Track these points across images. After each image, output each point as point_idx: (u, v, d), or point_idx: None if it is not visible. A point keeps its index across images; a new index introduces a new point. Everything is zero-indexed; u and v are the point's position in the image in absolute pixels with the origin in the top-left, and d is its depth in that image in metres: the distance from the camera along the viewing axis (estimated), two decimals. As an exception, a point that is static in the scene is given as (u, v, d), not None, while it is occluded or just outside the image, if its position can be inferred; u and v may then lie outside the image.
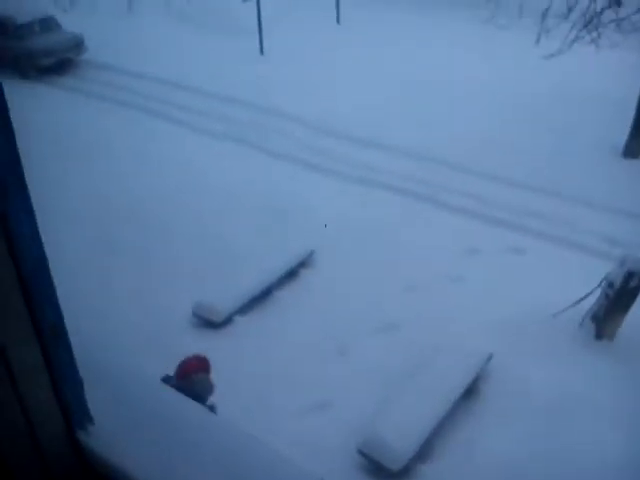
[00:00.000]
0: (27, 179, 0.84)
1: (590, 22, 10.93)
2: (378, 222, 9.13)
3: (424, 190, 10.09)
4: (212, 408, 4.24)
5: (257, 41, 15.08)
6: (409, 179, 10.43)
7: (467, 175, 10.49)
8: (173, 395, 1.31)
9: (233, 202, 9.56)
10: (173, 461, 1.09)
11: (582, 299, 7.16)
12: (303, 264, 8.23)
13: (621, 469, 5.63)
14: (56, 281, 0.95)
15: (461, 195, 10.01)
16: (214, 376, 4.30)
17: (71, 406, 1.03)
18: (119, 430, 1.13)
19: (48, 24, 14.41)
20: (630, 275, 6.76)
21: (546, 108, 12.79)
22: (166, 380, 4.21)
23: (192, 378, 4.27)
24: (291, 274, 8.05)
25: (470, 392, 6.39)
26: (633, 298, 6.92)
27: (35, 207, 0.87)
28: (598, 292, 7.16)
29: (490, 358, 6.65)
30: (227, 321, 7.25)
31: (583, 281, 7.17)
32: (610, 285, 6.96)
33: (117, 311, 7.18)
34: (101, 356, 1.32)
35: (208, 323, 7.20)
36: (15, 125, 0.80)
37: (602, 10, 10.92)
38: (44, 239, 0.90)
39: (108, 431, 1.10)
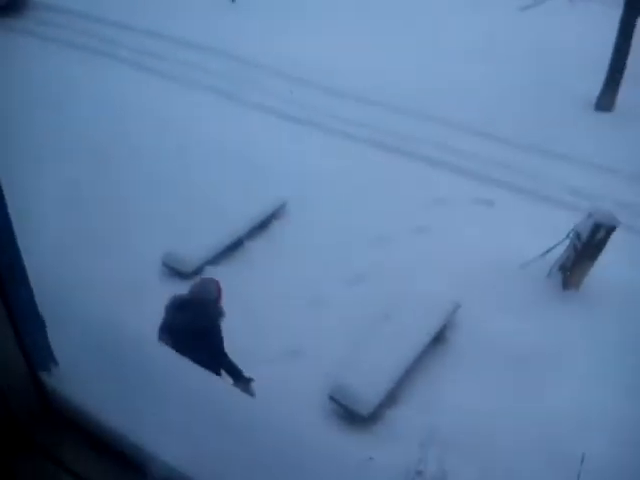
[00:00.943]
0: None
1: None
2: (348, 173, 9.08)
3: (393, 141, 10.04)
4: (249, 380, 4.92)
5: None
6: (378, 130, 10.37)
7: (436, 125, 10.46)
8: (140, 339, 1.30)
9: (206, 152, 9.41)
10: (138, 403, 1.09)
11: (550, 250, 7.29)
12: (275, 215, 8.19)
13: (590, 419, 5.82)
14: (18, 227, 0.93)
15: (430, 145, 10.01)
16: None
17: (33, 346, 1.02)
18: (83, 372, 1.12)
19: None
20: (597, 227, 6.88)
21: (520, 61, 12.73)
22: (176, 303, 4.72)
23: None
24: (263, 225, 8.01)
25: (438, 340, 6.51)
26: (599, 249, 7.05)
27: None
28: (566, 244, 7.29)
29: (457, 307, 6.76)
30: (197, 271, 7.20)
31: (551, 233, 7.28)
32: (578, 237, 7.08)
33: (85, 260, 7.09)
34: (68, 299, 1.30)
35: (178, 273, 7.16)
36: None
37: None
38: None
39: (72, 373, 1.09)
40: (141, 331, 1.39)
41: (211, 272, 7.20)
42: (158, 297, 6.72)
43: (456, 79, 11.75)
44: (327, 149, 9.75)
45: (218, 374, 4.73)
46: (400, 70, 11.89)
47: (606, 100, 11.47)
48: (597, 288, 7.26)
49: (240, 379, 4.99)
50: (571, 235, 7.20)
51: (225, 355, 4.90)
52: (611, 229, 6.88)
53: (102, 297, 6.06)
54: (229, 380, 4.91)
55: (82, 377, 1.11)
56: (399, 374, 5.84)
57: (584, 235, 6.99)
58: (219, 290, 4.75)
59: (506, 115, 10.81)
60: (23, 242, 0.96)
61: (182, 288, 6.87)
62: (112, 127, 9.85)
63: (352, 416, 5.62)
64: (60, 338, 1.08)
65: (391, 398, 5.80)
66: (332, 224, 8.03)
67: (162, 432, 1.04)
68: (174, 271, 7.18)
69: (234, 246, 7.61)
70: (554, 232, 7.26)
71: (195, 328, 4.48)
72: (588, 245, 7.01)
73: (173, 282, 7.07)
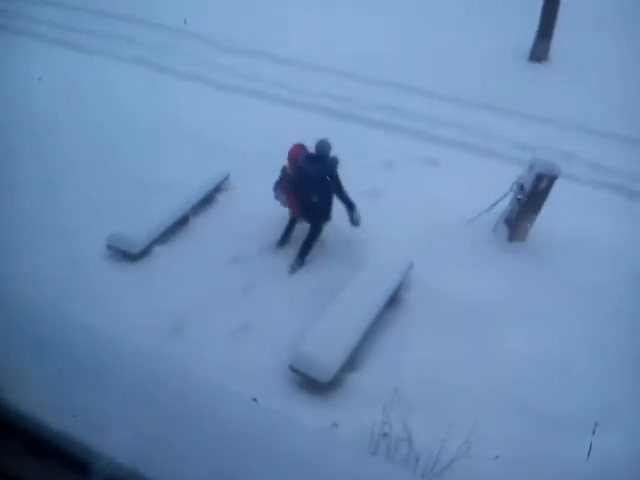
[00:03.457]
0: None
1: None
2: (293, 141, 8.96)
3: (340, 107, 9.97)
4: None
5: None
6: (321, 96, 10.26)
7: (381, 89, 10.42)
8: (85, 331, 1.21)
9: (144, 129, 9.15)
10: (82, 399, 1.00)
11: (495, 204, 7.38)
12: (219, 189, 8.07)
13: (544, 365, 5.99)
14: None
15: (376, 109, 9.98)
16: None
17: None
18: (18, 371, 1.03)
19: None
20: (539, 178, 6.98)
21: (453, 14, 12.78)
22: (307, 157, 6.69)
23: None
24: (207, 199, 7.88)
25: (394, 301, 6.56)
26: (543, 200, 7.18)
27: None
28: (510, 196, 7.38)
29: (411, 267, 6.80)
30: (145, 252, 7.05)
31: (496, 187, 7.37)
32: (521, 188, 7.18)
33: (22, 248, 6.83)
34: (3, 293, 1.21)
35: (125, 255, 6.98)
36: None
37: None
38: None
39: (6, 373, 1.01)
40: (86, 322, 1.30)
41: (159, 252, 7.07)
42: (107, 282, 6.60)
43: (395, 43, 11.71)
44: (271, 118, 9.62)
45: (329, 213, 6.98)
46: (348, 38, 11.82)
47: (540, 50, 11.62)
48: (542, 238, 7.42)
49: (353, 208, 6.96)
50: (514, 188, 7.30)
51: (344, 192, 6.87)
52: (553, 179, 6.99)
53: (41, 288, 5.85)
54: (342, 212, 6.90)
55: (17, 376, 1.02)
56: (358, 339, 5.87)
57: (527, 187, 7.09)
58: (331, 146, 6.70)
59: (447, 74, 10.86)
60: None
61: (130, 270, 6.80)
62: (40, 104, 9.47)
63: (313, 384, 5.62)
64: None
65: (351, 363, 5.83)
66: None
67: (108, 427, 0.96)
68: (120, 253, 7.00)
69: (180, 223, 7.47)
70: (499, 186, 7.35)
71: (322, 173, 6.66)
72: (531, 196, 7.13)
73: (120, 265, 6.90)
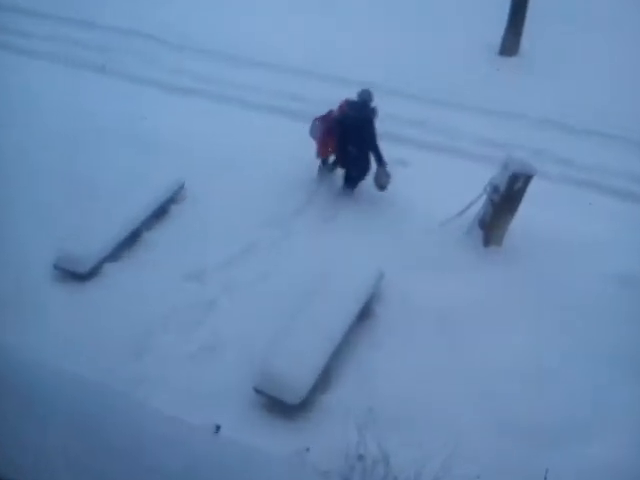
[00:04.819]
0: None
1: None
2: (250, 145, 8.98)
3: (298, 107, 9.96)
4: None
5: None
6: (279, 96, 10.26)
7: (341, 87, 10.46)
8: (23, 361, 1.18)
9: (93, 136, 9.01)
10: (16, 429, 0.97)
11: (469, 207, 7.45)
12: (173, 199, 7.99)
13: (525, 374, 6.05)
14: None
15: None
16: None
17: None
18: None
19: None
20: (514, 177, 7.06)
21: (418, 11, 12.91)
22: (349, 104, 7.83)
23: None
24: (161, 211, 7.79)
25: (366, 313, 6.56)
26: (518, 201, 7.26)
27: None
28: (484, 198, 7.46)
29: (382, 277, 6.81)
30: (95, 270, 6.93)
31: (469, 188, 7.44)
32: (495, 189, 7.25)
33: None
34: None
35: (74, 275, 6.85)
36: None
37: None
38: None
39: None
40: (25, 359, 1.26)
41: (110, 270, 6.97)
42: (51, 306, 6.46)
43: (359, 41, 11.79)
44: (229, 121, 9.58)
45: (367, 161, 7.91)
46: (310, 38, 11.85)
47: (509, 44, 11.81)
48: (519, 242, 7.52)
49: (382, 163, 7.82)
50: (488, 189, 7.37)
51: (377, 144, 7.75)
52: (528, 178, 7.08)
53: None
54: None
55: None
56: (328, 356, 5.84)
57: (501, 187, 7.16)
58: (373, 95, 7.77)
59: (412, 71, 10.95)
60: None
61: (79, 291, 6.68)
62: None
63: (282, 407, 5.58)
64: None
65: (322, 382, 5.80)
66: (235, 202, 7.96)
67: (44, 460, 0.93)
68: (68, 273, 6.86)
69: (132, 238, 7.37)
70: (472, 187, 7.41)
71: (361, 120, 7.63)
72: (506, 197, 7.20)
73: (69, 286, 6.78)
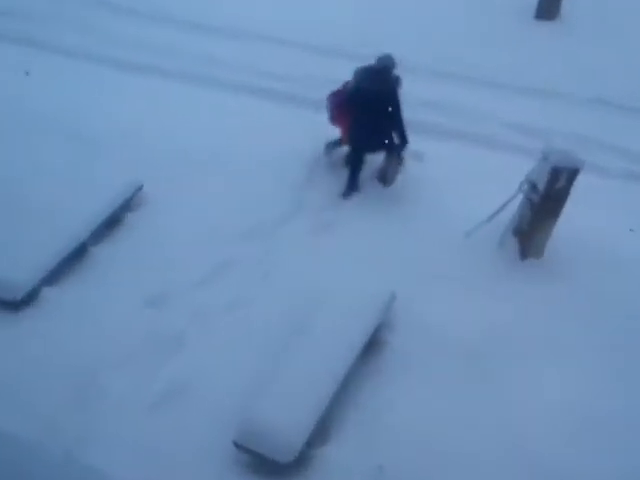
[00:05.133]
0: None
1: None
2: (224, 135, 9.02)
3: (283, 87, 10.00)
4: None
5: None
6: (262, 74, 10.31)
7: (340, 60, 10.51)
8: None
9: (20, 132, 9.01)
10: None
11: (500, 210, 7.46)
12: (128, 206, 8.01)
13: (568, 418, 6.01)
14: None
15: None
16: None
17: None
18: None
19: None
20: (556, 172, 7.06)
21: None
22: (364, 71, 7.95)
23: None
24: (112, 221, 7.81)
25: (373, 345, 6.54)
26: (562, 201, 7.25)
27: None
28: (519, 199, 7.49)
29: (393, 299, 6.82)
30: (31, 297, 6.92)
31: (500, 187, 7.47)
32: (533, 188, 7.26)
33: None
34: None
35: (3, 304, 6.84)
36: None
37: None
38: None
39: None
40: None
41: (49, 295, 6.96)
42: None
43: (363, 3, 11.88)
44: (200, 106, 9.68)
45: (389, 136, 7.99)
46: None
47: (547, 6, 11.89)
48: (563, 253, 7.53)
49: (405, 145, 8.01)
50: (524, 188, 7.38)
51: (401, 118, 7.85)
52: (574, 173, 7.09)
53: None
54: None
55: None
56: (327, 400, 5.78)
57: (540, 185, 7.17)
58: (395, 61, 7.82)
59: (424, 39, 11.08)
60: None
61: (12, 323, 6.66)
62: None
63: (271, 466, 5.55)
64: None
65: (320, 433, 5.78)
66: (202, 208, 8.01)
67: None
68: (-2, 301, 6.87)
69: (76, 255, 7.37)
70: (504, 186, 7.43)
71: (381, 91, 7.70)
72: (547, 198, 7.20)
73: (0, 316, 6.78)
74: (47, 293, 6.99)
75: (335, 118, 8.26)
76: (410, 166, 8.68)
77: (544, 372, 6.41)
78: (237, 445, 5.62)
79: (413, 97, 9.74)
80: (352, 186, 8.31)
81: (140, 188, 8.13)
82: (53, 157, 8.55)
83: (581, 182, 7.22)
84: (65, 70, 10.29)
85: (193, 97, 9.78)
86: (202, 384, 6.23)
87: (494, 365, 6.46)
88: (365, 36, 10.82)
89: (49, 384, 6.09)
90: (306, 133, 9.13)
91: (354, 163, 8.28)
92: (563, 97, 10.02)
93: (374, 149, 8.23)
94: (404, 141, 8.01)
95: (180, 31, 11.25)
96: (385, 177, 8.02)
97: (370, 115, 7.83)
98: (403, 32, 11.17)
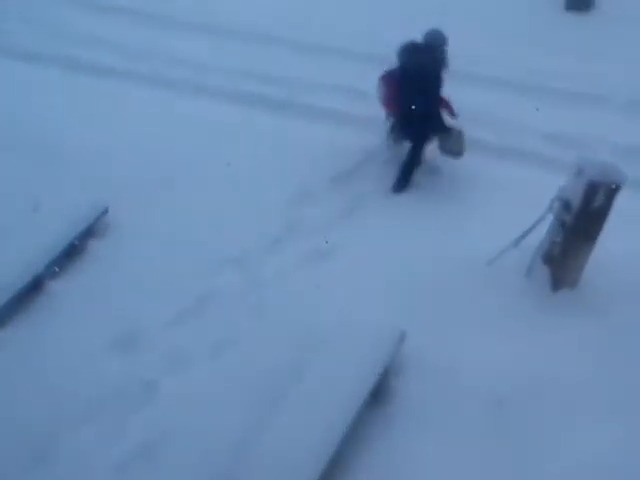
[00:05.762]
0: None
1: None
2: (201, 150, 9.15)
3: (271, 91, 10.01)
4: None
5: None
6: (246, 75, 10.37)
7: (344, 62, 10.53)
8: None
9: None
10: None
11: (527, 233, 7.36)
12: (92, 232, 8.02)
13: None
14: None
15: (331, 93, 10.05)
16: None
17: None
18: None
19: None
20: (593, 189, 6.96)
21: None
22: (410, 47, 8.42)
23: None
24: (74, 250, 7.81)
25: (379, 394, 6.48)
26: (600, 223, 7.14)
27: None
28: (549, 220, 7.39)
29: (403, 338, 6.75)
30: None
31: (527, 205, 7.36)
32: (566, 207, 7.17)
33: None
34: None
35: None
36: None
37: None
38: None
39: None
40: None
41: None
42: None
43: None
44: (165, 114, 9.86)
45: (430, 116, 8.53)
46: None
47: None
48: (603, 284, 7.45)
49: (442, 123, 8.63)
50: (555, 206, 7.31)
51: (442, 97, 8.50)
52: (614, 189, 7.01)
53: None
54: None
55: None
56: (325, 460, 5.71)
57: (575, 204, 7.09)
58: (445, 38, 8.34)
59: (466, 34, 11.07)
60: None
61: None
62: None
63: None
64: None
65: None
66: (184, 235, 8.00)
67: None
68: None
69: (29, 291, 7.36)
70: (531, 203, 7.34)
71: (425, 68, 8.19)
72: (582, 218, 7.12)
73: None
74: (-10, 336, 6.96)
75: (386, 102, 8.70)
76: (425, 181, 8.76)
77: (580, 428, 6.30)
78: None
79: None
80: (407, 179, 8.79)
81: (105, 211, 8.16)
82: (7, 171, 8.68)
83: (621, 199, 7.11)
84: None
85: (166, 106, 9.87)
86: (177, 444, 6.20)
87: (524, 420, 6.36)
88: (383, 32, 10.90)
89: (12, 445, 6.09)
90: (301, 143, 9.11)
91: (413, 151, 8.78)
92: (602, 101, 10.06)
93: (425, 132, 8.69)
94: (440, 120, 8.59)
95: (151, 26, 11.35)
96: (452, 149, 8.65)
97: (414, 92, 8.29)
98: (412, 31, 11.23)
